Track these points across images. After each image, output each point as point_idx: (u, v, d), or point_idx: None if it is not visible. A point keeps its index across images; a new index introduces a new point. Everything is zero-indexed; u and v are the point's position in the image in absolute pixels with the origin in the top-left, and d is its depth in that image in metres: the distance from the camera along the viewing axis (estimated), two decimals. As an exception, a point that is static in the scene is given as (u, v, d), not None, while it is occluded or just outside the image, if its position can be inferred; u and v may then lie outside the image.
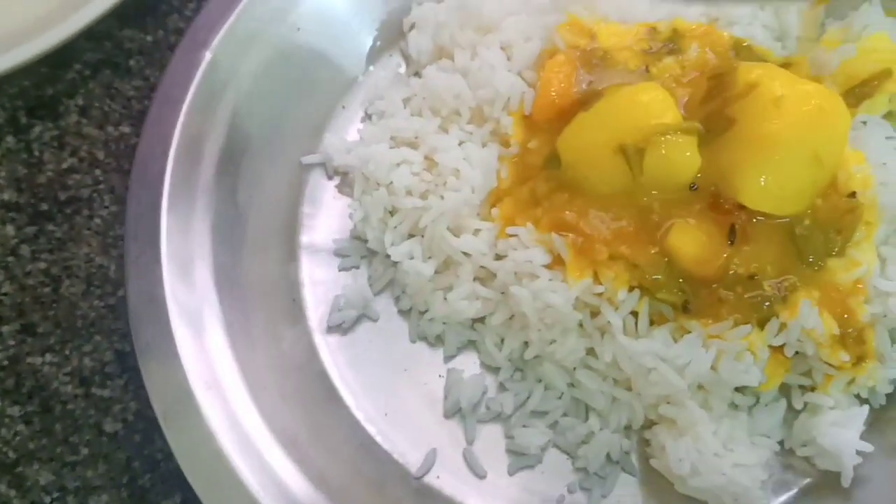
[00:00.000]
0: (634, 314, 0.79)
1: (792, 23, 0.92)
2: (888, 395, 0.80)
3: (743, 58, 0.85)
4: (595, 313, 0.79)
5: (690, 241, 0.77)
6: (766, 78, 0.78)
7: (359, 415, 0.83)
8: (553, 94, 0.84)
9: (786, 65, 0.90)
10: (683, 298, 0.78)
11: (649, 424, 0.80)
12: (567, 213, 0.80)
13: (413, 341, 0.86)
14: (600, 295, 0.78)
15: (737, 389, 0.78)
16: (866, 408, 0.78)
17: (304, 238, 0.91)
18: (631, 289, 0.78)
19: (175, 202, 0.83)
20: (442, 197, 0.85)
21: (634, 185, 0.79)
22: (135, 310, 0.79)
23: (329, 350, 0.86)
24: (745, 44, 0.88)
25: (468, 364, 0.85)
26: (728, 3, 0.91)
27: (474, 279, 0.84)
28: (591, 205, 0.80)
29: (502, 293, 0.82)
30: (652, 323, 0.78)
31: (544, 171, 0.83)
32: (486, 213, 0.86)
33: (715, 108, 0.80)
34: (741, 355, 0.75)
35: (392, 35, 0.99)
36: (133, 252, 0.81)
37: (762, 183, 0.76)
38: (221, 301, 0.82)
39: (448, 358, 0.85)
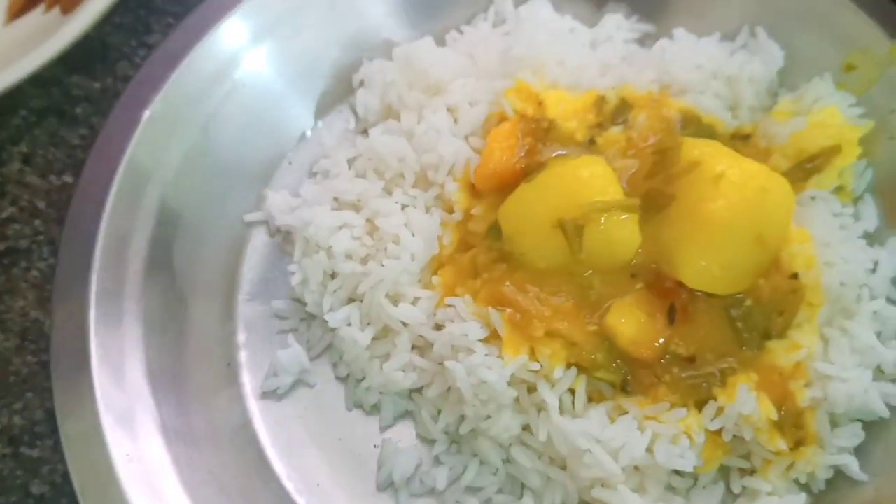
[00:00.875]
0: (572, 391, 0.77)
1: (744, 92, 0.91)
2: (827, 480, 0.78)
3: (691, 130, 0.85)
4: (532, 389, 0.78)
5: (629, 321, 0.76)
6: (708, 156, 0.78)
7: (289, 486, 0.81)
8: (494, 164, 0.83)
9: (736, 135, 0.89)
10: (621, 378, 0.76)
11: (583, 506, 0.79)
12: (506, 286, 0.79)
13: (349, 409, 0.85)
14: (536, 372, 0.77)
15: (674, 471, 0.77)
16: (804, 495, 0.77)
17: (243, 298, 0.89)
18: (568, 366, 0.77)
19: (107, 262, 0.81)
20: (382, 264, 0.83)
21: (574, 261, 0.77)
22: (58, 373, 0.77)
23: (262, 416, 0.84)
24: (693, 114, 0.87)
25: (404, 435, 0.84)
26: (680, 70, 0.90)
27: (412, 348, 0.82)
28: (529, 279, 0.79)
29: (440, 364, 0.81)
30: (590, 400, 0.77)
31: (486, 241, 0.82)
32: (426, 280, 0.84)
33: (657, 183, 0.80)
34: (677, 438, 0.74)
35: (342, 89, 0.98)
36: (60, 312, 0.79)
37: (702, 262, 0.75)
38: (150, 363, 0.80)
39: (384, 427, 0.84)
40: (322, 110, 0.97)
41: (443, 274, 0.83)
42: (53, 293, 0.79)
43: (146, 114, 0.86)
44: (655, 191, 0.77)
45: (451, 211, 0.86)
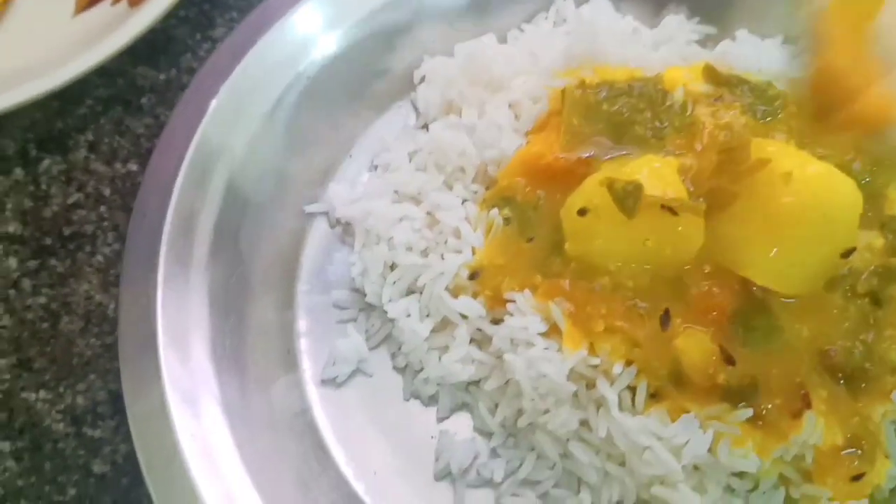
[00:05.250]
0: (630, 388, 0.77)
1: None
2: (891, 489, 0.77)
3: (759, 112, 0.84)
4: (590, 385, 0.78)
5: (698, 351, 0.74)
6: (777, 155, 0.77)
7: (347, 471, 0.82)
8: (529, 156, 0.84)
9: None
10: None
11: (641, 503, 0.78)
12: (566, 281, 0.79)
13: (406, 399, 0.85)
14: (595, 367, 0.77)
15: (734, 473, 0.76)
16: (866, 501, 0.75)
17: (303, 287, 0.90)
18: (628, 363, 0.77)
19: (174, 248, 0.82)
20: (442, 256, 0.84)
21: (635, 260, 0.78)
22: (126, 354, 0.78)
23: (321, 403, 0.85)
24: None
25: (461, 426, 0.84)
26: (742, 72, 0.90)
27: (471, 341, 0.83)
28: (591, 274, 0.79)
29: (497, 358, 0.81)
30: (650, 397, 0.77)
31: (546, 237, 0.83)
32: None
33: (722, 182, 0.79)
34: (741, 440, 0.73)
35: (403, 86, 0.99)
36: (128, 296, 0.80)
37: (771, 260, 0.75)
38: (215, 348, 0.81)
39: (441, 419, 0.84)
40: (382, 105, 0.98)
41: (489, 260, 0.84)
42: (121, 276, 0.81)
43: (213, 103, 0.88)
44: (720, 189, 0.77)
45: (510, 205, 0.86)
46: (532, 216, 0.84)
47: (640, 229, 0.77)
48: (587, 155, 0.83)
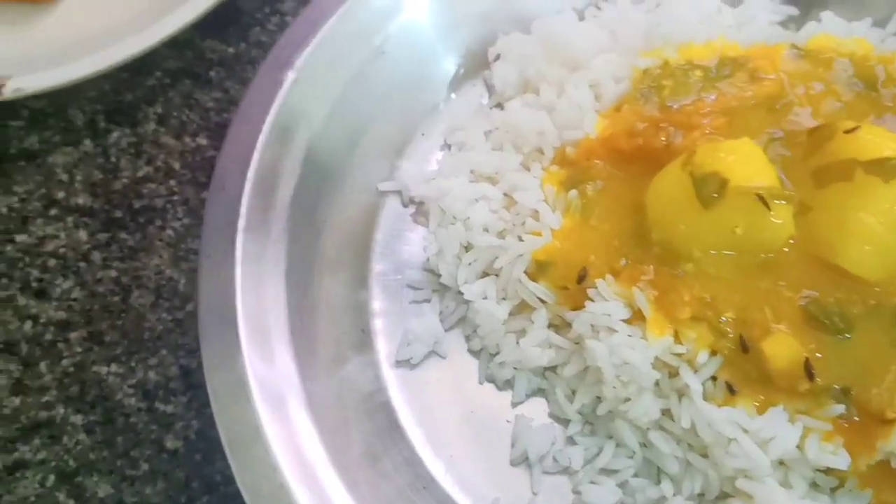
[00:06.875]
0: (713, 379, 0.76)
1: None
2: None
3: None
4: (673, 374, 0.77)
5: (786, 355, 0.72)
6: (869, 139, 0.75)
7: (423, 454, 0.81)
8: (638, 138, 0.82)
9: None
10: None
11: (724, 496, 0.77)
12: (649, 266, 0.78)
13: (481, 382, 0.84)
14: (680, 356, 0.75)
15: (819, 469, 0.74)
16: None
17: (376, 267, 0.89)
18: (713, 353, 0.75)
19: (252, 223, 0.81)
20: (520, 238, 0.83)
21: (722, 247, 0.76)
22: (205, 328, 0.77)
23: (396, 383, 0.84)
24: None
25: (536, 412, 0.83)
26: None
27: (549, 326, 0.82)
28: (674, 260, 0.78)
29: (576, 343, 0.80)
30: (731, 389, 0.75)
31: (627, 221, 0.81)
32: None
33: (813, 166, 0.77)
34: (831, 435, 0.72)
35: (476, 63, 0.97)
36: (207, 270, 0.80)
37: (867, 247, 0.72)
38: (292, 324, 0.80)
39: (516, 403, 0.83)
40: (455, 83, 0.97)
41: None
42: (200, 250, 0.80)
43: (289, 76, 0.86)
44: (814, 173, 0.75)
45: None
46: (612, 199, 0.83)
47: (728, 216, 0.75)
48: (671, 137, 0.81)
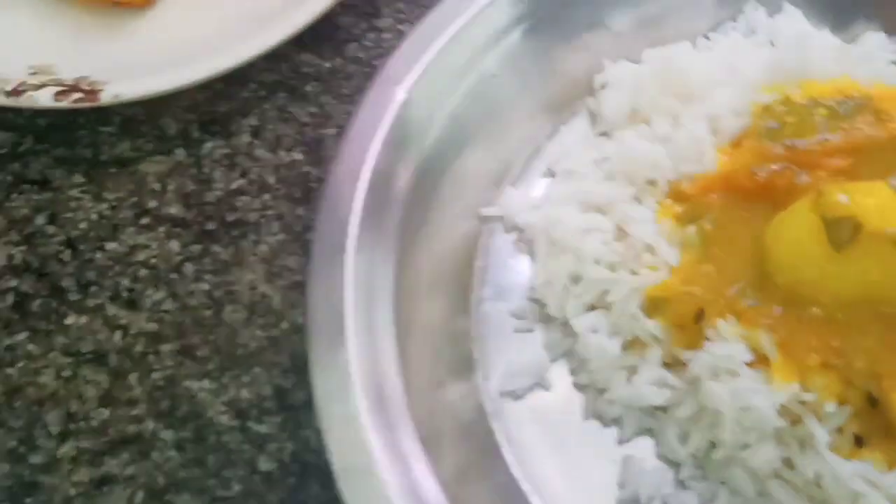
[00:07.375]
0: (839, 429, 0.73)
1: None
2: None
3: None
4: (795, 421, 0.74)
5: None
6: None
7: (526, 488, 0.79)
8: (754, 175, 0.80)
9: None
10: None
11: (850, 552, 0.75)
12: (774, 308, 0.76)
13: (586, 418, 0.82)
14: (805, 404, 0.73)
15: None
16: None
17: (477, 293, 0.87)
18: (841, 402, 0.73)
19: (362, 243, 0.80)
20: (633, 272, 0.81)
21: (853, 290, 0.74)
22: (316, 349, 0.76)
23: (498, 416, 0.82)
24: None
25: (643, 451, 0.80)
26: None
27: (662, 364, 0.80)
28: (798, 303, 0.76)
29: (691, 384, 0.78)
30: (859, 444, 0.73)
31: (747, 260, 0.79)
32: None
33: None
34: (964, 495, 0.69)
35: (579, 90, 0.95)
36: (316, 293, 0.78)
37: None
38: (399, 349, 0.79)
39: (622, 442, 0.81)
40: (557, 110, 0.95)
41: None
42: (310, 272, 0.78)
43: (401, 95, 0.85)
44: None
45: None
46: (731, 236, 0.81)
47: (862, 262, 0.73)
48: (795, 177, 0.80)
